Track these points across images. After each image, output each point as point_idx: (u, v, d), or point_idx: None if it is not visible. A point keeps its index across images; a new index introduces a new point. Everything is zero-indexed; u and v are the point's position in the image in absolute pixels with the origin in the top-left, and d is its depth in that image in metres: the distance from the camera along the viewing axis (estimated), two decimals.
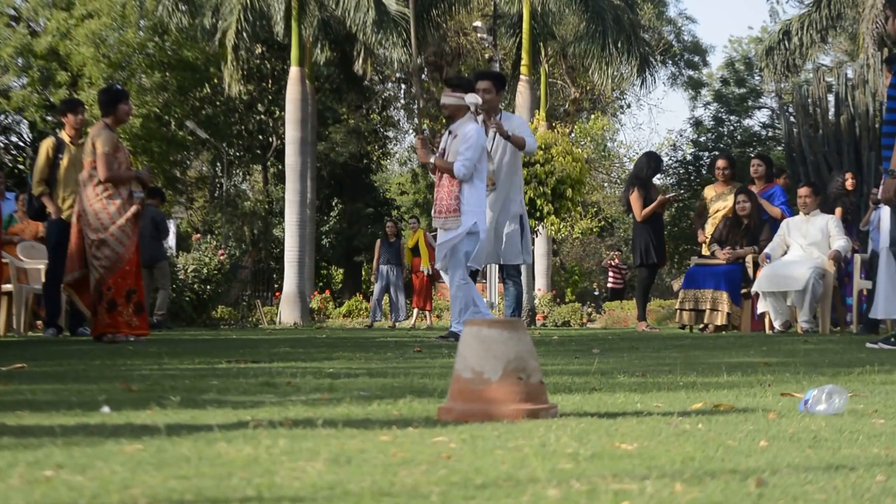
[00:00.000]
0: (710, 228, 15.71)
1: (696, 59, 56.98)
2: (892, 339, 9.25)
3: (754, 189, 15.33)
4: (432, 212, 11.09)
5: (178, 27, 31.98)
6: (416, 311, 25.91)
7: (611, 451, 3.06)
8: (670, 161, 53.39)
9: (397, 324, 25.32)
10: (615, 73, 32.06)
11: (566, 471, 2.71)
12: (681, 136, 55.46)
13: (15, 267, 14.10)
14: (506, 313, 12.18)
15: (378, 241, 26.06)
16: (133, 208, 10.77)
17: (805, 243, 13.99)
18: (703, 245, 15.87)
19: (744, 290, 14.59)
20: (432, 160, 10.98)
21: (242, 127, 46.00)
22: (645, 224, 15.63)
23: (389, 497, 2.37)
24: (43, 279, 13.60)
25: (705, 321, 14.62)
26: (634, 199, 15.64)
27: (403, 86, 51.18)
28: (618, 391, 5.01)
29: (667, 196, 16.33)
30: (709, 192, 16.21)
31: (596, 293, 46.26)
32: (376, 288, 25.81)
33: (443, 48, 45.80)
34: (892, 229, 9.34)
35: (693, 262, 15.48)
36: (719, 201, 15.80)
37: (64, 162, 13.03)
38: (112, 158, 10.71)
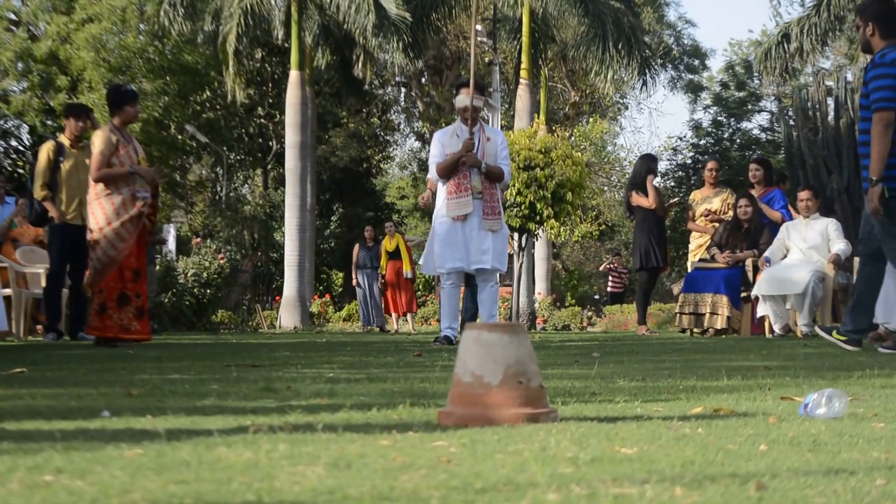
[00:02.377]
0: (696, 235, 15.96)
1: (696, 62, 57.01)
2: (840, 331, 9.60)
3: (754, 193, 15.35)
4: (484, 215, 11.25)
5: (178, 32, 31.91)
6: (394, 315, 25.86)
7: (611, 456, 3.05)
8: (670, 165, 53.40)
9: (379, 328, 25.34)
10: (615, 76, 32.01)
11: (566, 475, 2.70)
12: (680, 140, 55.45)
13: (14, 271, 14.07)
14: (487, 316, 12.13)
15: (356, 246, 26.12)
16: (133, 210, 10.67)
17: (805, 247, 13.99)
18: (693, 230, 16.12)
19: (743, 294, 14.60)
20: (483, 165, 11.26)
21: (243, 131, 45.97)
22: (645, 227, 15.66)
23: (389, 501, 2.36)
24: (43, 283, 13.58)
25: (705, 325, 14.62)
26: (637, 198, 15.69)
27: (403, 89, 51.19)
28: (618, 395, 5.00)
29: (672, 201, 16.44)
30: (696, 195, 16.37)
31: (596, 297, 46.24)
32: (359, 294, 25.92)
33: (442, 52, 45.77)
34: (863, 228, 9.45)
35: (693, 266, 15.49)
36: (704, 204, 15.93)
37: (66, 165, 13.01)
38: (105, 158, 10.64)
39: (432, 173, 11.47)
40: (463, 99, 11.45)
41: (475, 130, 11.37)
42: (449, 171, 11.22)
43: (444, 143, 11.42)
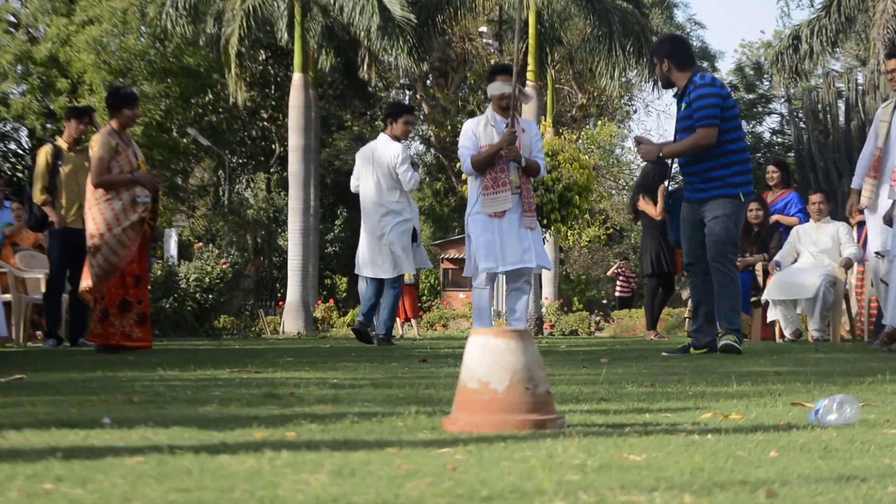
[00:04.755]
0: None
1: (706, 64, 56.95)
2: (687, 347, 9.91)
3: (770, 196, 15.30)
4: (521, 211, 10.79)
5: (180, 34, 31.86)
6: (398, 320, 25.70)
7: (619, 463, 3.04)
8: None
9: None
10: (623, 78, 31.94)
11: (573, 482, 2.70)
12: None
13: (13, 276, 14.01)
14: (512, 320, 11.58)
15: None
16: (134, 216, 10.60)
17: (815, 251, 13.93)
18: None
19: (754, 299, 14.52)
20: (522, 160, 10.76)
21: (245, 134, 46.00)
22: (654, 231, 15.55)
23: None
24: (43, 289, 13.53)
25: None
26: (644, 204, 15.59)
27: (408, 92, 51.19)
28: (626, 401, 4.99)
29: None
30: None
31: (604, 302, 46.17)
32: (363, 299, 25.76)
33: (448, 54, 45.78)
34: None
35: None
36: None
37: (65, 169, 12.95)
38: (104, 163, 10.58)
39: (466, 167, 10.88)
40: (499, 86, 10.88)
41: (509, 121, 10.75)
42: (486, 164, 10.65)
43: (477, 134, 10.80)
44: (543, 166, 11.13)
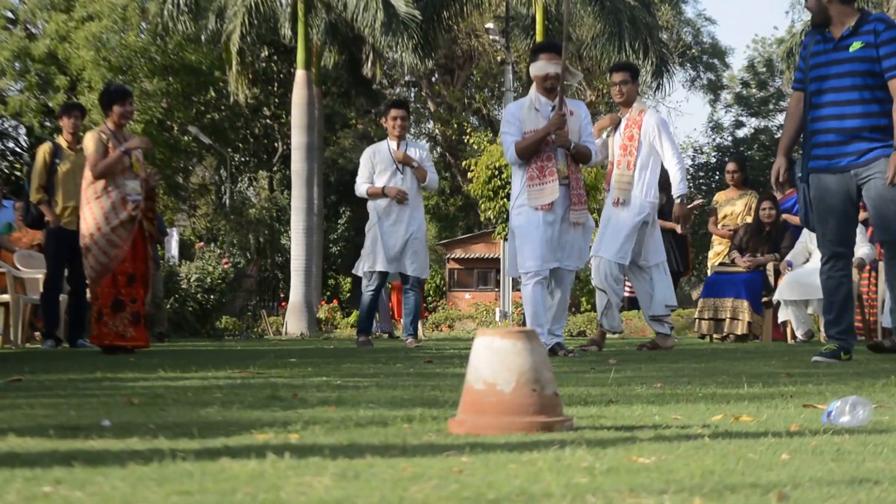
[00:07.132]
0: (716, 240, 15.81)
1: (715, 61, 56.87)
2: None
3: (780, 194, 15.26)
4: (570, 204, 9.80)
5: (182, 31, 31.79)
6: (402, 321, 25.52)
7: (628, 465, 3.00)
8: (688, 166, 53.35)
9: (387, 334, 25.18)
10: None
11: (581, 485, 2.66)
12: (699, 143, 55.43)
13: (12, 277, 13.97)
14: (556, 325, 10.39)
15: None
16: (123, 214, 10.57)
17: None
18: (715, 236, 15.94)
19: (765, 299, 14.46)
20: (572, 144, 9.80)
21: (247, 132, 46.00)
22: (665, 231, 15.48)
23: None
24: (41, 289, 13.50)
25: (725, 331, 14.47)
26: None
27: (413, 89, 51.22)
28: (635, 403, 4.96)
29: (693, 203, 16.28)
30: (720, 196, 16.19)
31: None
32: None
33: (454, 51, 45.77)
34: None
35: (713, 270, 15.35)
36: (727, 206, 15.76)
37: (63, 168, 12.95)
38: (100, 156, 10.58)
39: (509, 155, 9.87)
40: (543, 66, 9.92)
41: (556, 103, 9.78)
42: (532, 152, 9.65)
43: (521, 119, 9.79)
44: (595, 151, 10.07)
